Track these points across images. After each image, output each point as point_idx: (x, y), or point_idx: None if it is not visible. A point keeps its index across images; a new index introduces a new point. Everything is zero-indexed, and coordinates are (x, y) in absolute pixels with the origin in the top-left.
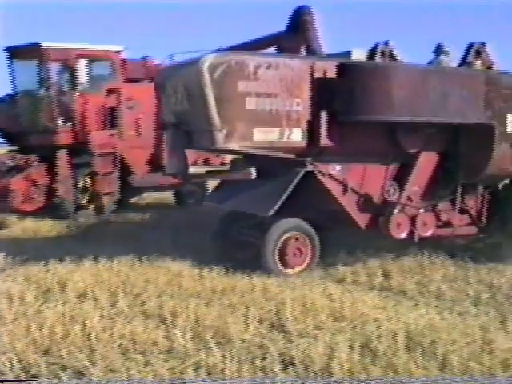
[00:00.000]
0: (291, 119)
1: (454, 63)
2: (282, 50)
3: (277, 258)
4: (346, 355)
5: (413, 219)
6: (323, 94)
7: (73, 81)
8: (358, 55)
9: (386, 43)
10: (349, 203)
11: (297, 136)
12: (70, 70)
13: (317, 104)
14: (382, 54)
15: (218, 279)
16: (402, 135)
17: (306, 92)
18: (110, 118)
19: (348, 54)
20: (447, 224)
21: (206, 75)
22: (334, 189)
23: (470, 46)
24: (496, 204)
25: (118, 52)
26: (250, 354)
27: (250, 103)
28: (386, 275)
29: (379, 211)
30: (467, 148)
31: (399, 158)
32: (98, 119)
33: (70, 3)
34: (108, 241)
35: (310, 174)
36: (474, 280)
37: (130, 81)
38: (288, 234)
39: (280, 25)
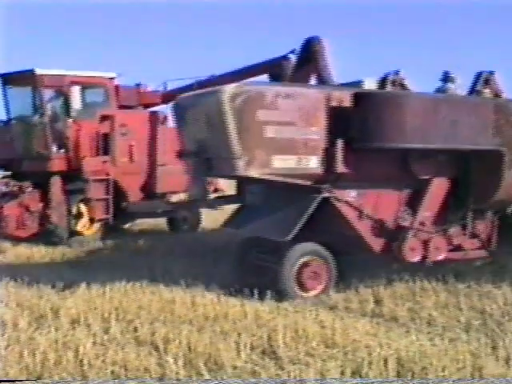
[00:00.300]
0: (308, 147)
1: (461, 90)
2: (274, 77)
3: (294, 281)
4: (337, 382)
5: (425, 243)
6: (339, 122)
7: (66, 107)
8: (370, 84)
9: (397, 72)
10: (364, 228)
11: (314, 163)
12: (63, 96)
13: (332, 132)
14: (393, 83)
15: (210, 306)
16: (414, 162)
17: (322, 120)
18: (104, 145)
19: (360, 82)
20: (458, 248)
21: (227, 104)
22: (350, 214)
23: (478, 75)
24: (504, 228)
25: (112, 79)
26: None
27: (269, 131)
28: (378, 302)
29: (393, 236)
30: (477, 174)
31: (411, 184)
32: (92, 146)
33: (65, 29)
34: (101, 267)
35: (326, 199)
36: (465, 306)
37: (123, 107)
38: (305, 258)
39: (270, 52)
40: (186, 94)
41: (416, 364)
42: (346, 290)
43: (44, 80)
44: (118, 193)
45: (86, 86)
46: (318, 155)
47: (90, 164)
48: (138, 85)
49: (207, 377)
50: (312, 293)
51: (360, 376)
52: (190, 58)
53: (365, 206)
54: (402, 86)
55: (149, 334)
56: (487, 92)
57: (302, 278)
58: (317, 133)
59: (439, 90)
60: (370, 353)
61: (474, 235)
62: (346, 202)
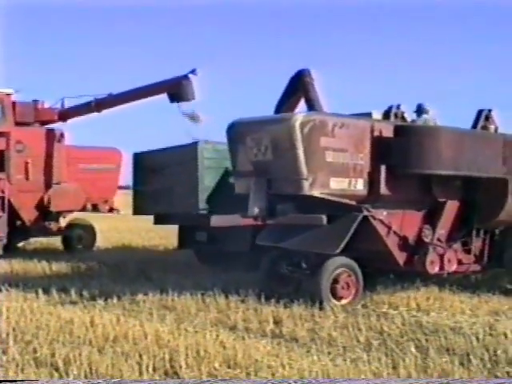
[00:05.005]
0: (356, 171)
1: (435, 121)
2: (173, 97)
3: (329, 290)
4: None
5: (441, 257)
6: (380, 149)
7: None
8: (377, 115)
9: (398, 106)
10: (391, 243)
11: (360, 185)
12: None
13: (374, 158)
14: (395, 115)
15: (109, 326)
16: (436, 186)
17: (367, 148)
18: None
19: (369, 114)
20: (460, 262)
21: (298, 131)
22: (382, 231)
23: (479, 112)
24: (493, 245)
25: (9, 95)
26: None
27: (329, 156)
28: (277, 322)
29: (415, 251)
30: (483, 197)
31: (429, 205)
32: None
33: None
34: None
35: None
36: (364, 327)
37: (19, 124)
38: (339, 270)
39: (164, 73)
40: (244, 119)
41: None
42: (245, 310)
43: None
44: (13, 211)
45: None
46: (363, 178)
47: None
48: (35, 101)
49: None
50: (343, 301)
51: None
52: (88, 75)
53: (393, 223)
54: (403, 119)
55: (49, 354)
56: (492, 128)
57: (336, 288)
58: (363, 159)
59: (415, 122)
60: (272, 373)
61: (472, 251)
62: (379, 220)
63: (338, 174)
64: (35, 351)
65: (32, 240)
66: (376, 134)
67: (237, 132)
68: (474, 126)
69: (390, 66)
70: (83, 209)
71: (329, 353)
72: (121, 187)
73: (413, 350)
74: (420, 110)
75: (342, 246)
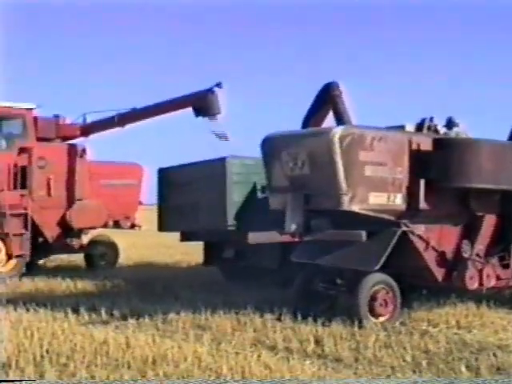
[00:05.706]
0: (395, 185)
1: (466, 133)
2: (198, 111)
3: (367, 308)
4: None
5: (480, 273)
6: (418, 163)
7: None
8: (410, 128)
9: (431, 119)
10: (430, 259)
11: (399, 200)
12: None
13: (413, 172)
14: (429, 128)
15: (146, 347)
16: (474, 200)
17: (405, 162)
18: (22, 178)
19: (402, 127)
20: (498, 277)
21: (337, 145)
22: (420, 246)
23: None
24: None
25: (30, 110)
26: None
27: (368, 171)
28: (318, 342)
29: (453, 266)
30: None
31: (467, 219)
32: (9, 179)
33: None
34: (22, 306)
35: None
36: (408, 345)
37: (41, 139)
38: (377, 287)
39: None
40: (279, 133)
41: None
42: (283, 330)
43: None
44: (35, 228)
45: (3, 117)
46: (402, 193)
47: (8, 198)
48: (56, 116)
49: None
50: (381, 319)
51: None
52: (110, 90)
53: (431, 239)
54: (436, 131)
55: (88, 378)
56: None
57: (374, 305)
58: (402, 173)
59: (447, 135)
60: None
61: (509, 266)
62: (418, 236)
63: (376, 188)
64: (74, 375)
65: (52, 257)
66: (414, 147)
67: (272, 146)
68: (510, 138)
69: (404, 76)
70: (105, 225)
71: (377, 374)
72: (141, 203)
73: (463, 369)
74: (450, 124)
75: (382, 262)
